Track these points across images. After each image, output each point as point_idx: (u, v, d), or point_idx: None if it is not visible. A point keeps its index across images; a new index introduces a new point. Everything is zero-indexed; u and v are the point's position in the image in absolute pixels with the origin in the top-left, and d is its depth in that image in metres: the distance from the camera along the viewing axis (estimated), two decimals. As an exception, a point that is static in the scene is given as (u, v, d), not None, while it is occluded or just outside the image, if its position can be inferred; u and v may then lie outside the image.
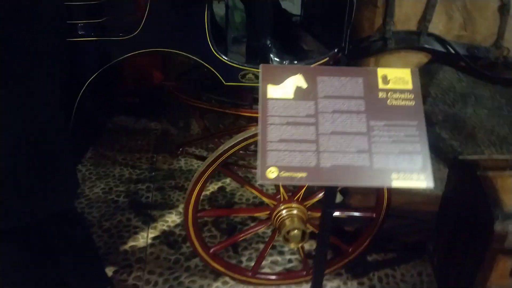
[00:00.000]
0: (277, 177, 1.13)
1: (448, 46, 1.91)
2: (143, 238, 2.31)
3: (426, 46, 1.92)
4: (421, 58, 1.97)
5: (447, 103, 3.53)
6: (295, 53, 2.16)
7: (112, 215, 2.44)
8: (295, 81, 1.21)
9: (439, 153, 3.23)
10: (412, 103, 1.21)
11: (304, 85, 1.21)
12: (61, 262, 1.76)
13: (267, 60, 2.04)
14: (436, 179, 2.80)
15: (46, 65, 1.45)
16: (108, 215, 2.44)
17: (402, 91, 1.22)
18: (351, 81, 1.22)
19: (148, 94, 3.18)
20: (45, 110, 1.47)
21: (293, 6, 2.89)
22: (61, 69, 1.59)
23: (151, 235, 2.34)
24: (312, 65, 1.93)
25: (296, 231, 1.78)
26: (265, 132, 1.16)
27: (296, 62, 2.04)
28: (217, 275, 2.09)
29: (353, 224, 2.26)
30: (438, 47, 1.93)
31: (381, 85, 1.22)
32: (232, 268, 2.05)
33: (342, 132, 1.17)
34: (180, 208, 2.47)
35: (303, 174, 1.13)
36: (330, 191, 1.25)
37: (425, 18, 1.87)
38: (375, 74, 1.23)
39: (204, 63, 1.84)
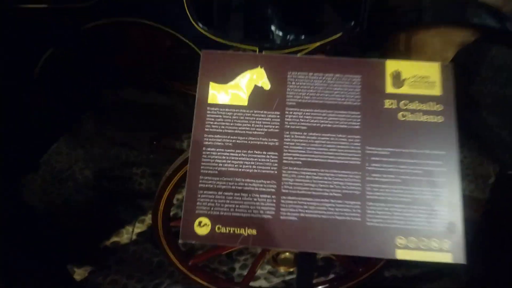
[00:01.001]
0: (210, 234, 0.67)
1: (506, 22, 1.35)
2: (128, 234, 1.94)
3: (475, 21, 1.36)
4: (466, 36, 1.42)
5: (498, 83, 2.90)
6: (304, 26, 1.63)
7: (99, 203, 2.08)
8: (253, 78, 0.73)
9: (484, 143, 2.64)
10: (440, 119, 0.70)
11: (266, 85, 0.73)
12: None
13: (267, 34, 1.55)
14: (477, 176, 2.25)
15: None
16: (95, 204, 2.08)
17: (423, 99, 0.71)
18: (341, 81, 0.72)
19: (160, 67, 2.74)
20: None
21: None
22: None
23: (136, 230, 1.96)
24: (320, 43, 1.41)
25: (288, 253, 1.33)
26: (198, 158, 0.70)
27: (303, 37, 1.52)
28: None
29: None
30: (491, 23, 1.37)
31: (389, 88, 0.72)
32: (217, 281, 1.64)
33: (321, 163, 0.69)
34: (174, 200, 2.06)
35: (252, 231, 0.67)
36: (306, 258, 0.77)
37: (474, -16, 1.32)
38: (381, 69, 0.72)
39: (182, 38, 1.38)
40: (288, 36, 1.56)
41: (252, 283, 1.67)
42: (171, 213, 1.51)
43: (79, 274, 1.78)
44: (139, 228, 1.98)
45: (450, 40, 1.42)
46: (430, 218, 0.67)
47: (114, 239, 1.93)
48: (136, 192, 2.17)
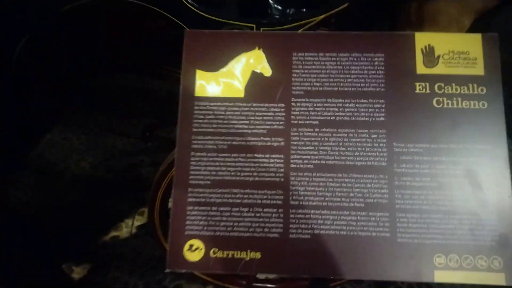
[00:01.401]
0: (204, 260, 0.53)
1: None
2: (127, 227, 1.82)
3: (496, -18, 1.18)
4: (486, 1, 1.24)
5: (508, 51, 2.72)
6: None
7: (97, 196, 1.95)
8: (250, 63, 0.57)
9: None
10: (484, 105, 0.55)
11: (266, 70, 0.57)
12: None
13: (264, 8, 1.38)
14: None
15: None
16: (92, 197, 1.94)
17: (463, 81, 0.56)
18: (360, 61, 0.57)
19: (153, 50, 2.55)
20: None
21: None
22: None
23: (136, 223, 1.83)
24: (324, 16, 1.24)
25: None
26: (185, 166, 0.55)
27: (306, 10, 1.35)
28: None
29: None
30: (515, -17, 1.19)
31: (421, 68, 0.56)
32: (222, 275, 1.52)
33: (337, 166, 0.55)
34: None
35: (255, 254, 0.53)
36: (321, 284, 0.63)
37: None
38: (409, 45, 0.57)
39: (168, 15, 1.21)
40: (289, 10, 1.38)
41: (258, 275, 1.56)
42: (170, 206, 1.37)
43: (78, 272, 1.66)
44: (139, 220, 1.85)
45: (468, 6, 1.24)
46: (476, 230, 0.52)
47: (113, 233, 1.80)
48: (135, 183, 2.04)
